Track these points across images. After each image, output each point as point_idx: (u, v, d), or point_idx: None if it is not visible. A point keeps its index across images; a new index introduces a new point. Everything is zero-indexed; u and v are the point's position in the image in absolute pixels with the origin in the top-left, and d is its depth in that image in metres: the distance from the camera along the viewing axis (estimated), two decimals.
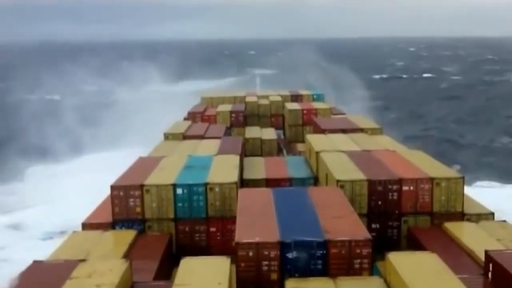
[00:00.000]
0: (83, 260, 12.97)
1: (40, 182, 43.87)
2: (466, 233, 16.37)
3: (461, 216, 17.63)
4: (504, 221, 17.33)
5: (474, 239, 15.57)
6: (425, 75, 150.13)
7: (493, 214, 17.90)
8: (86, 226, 17.72)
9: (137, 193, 17.79)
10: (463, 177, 17.92)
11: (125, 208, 17.75)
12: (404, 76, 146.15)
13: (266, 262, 12.55)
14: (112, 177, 18.56)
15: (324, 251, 12.60)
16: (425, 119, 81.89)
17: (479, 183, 45.03)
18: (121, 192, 17.75)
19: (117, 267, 12.24)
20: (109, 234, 17.11)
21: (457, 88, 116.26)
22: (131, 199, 17.77)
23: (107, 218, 17.81)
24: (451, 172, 18.73)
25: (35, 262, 13.03)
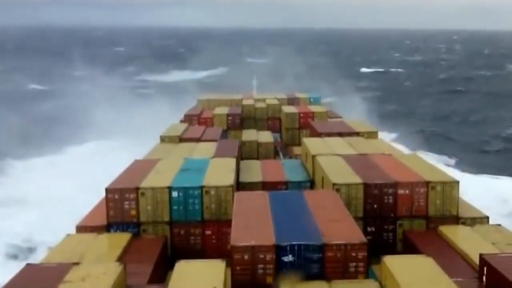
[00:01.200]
0: (76, 263, 12.87)
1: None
2: (461, 236, 16.42)
3: (456, 219, 17.68)
4: (499, 225, 17.41)
5: (469, 242, 15.61)
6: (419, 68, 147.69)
7: (487, 218, 17.96)
8: (80, 228, 17.59)
9: (132, 196, 17.70)
10: (458, 182, 17.98)
11: (120, 211, 17.65)
12: (400, 69, 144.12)
13: (261, 266, 12.51)
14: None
15: (320, 255, 12.58)
16: (421, 113, 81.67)
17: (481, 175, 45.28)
18: (116, 195, 17.66)
19: (111, 271, 12.14)
20: (104, 237, 16.99)
21: (453, 81, 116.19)
22: (126, 202, 17.67)
23: (102, 221, 17.70)
24: (446, 176, 18.79)
25: (28, 265, 12.91)
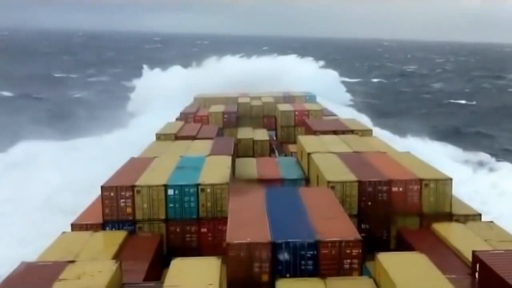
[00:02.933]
0: (72, 261, 12.86)
1: None
2: (454, 233, 16.60)
3: (449, 217, 17.87)
4: (491, 221, 17.61)
5: (462, 239, 15.80)
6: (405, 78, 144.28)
7: (480, 215, 18.18)
8: (75, 226, 17.58)
9: (128, 193, 17.70)
10: (451, 179, 18.17)
11: (116, 208, 17.65)
12: (393, 79, 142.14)
13: (257, 264, 12.58)
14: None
15: (315, 252, 12.68)
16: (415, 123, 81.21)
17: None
18: (111, 193, 17.65)
19: (106, 268, 12.17)
20: (99, 235, 17.00)
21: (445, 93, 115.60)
22: (122, 200, 17.68)
23: (97, 218, 17.70)
24: (439, 173, 18.97)
25: (23, 263, 12.89)
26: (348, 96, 79.27)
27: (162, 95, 59.88)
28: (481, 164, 48.60)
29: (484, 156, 51.81)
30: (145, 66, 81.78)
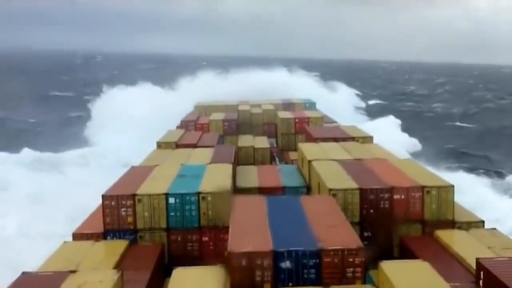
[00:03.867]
0: (73, 271, 12.79)
1: None
2: (457, 241, 16.51)
3: (452, 224, 17.79)
4: (494, 228, 17.53)
5: (465, 247, 15.70)
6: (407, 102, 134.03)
7: (483, 222, 18.09)
8: (76, 236, 17.50)
9: (129, 202, 17.65)
10: (453, 186, 18.12)
11: (117, 218, 17.58)
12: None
13: (259, 272, 12.50)
14: None
15: (317, 260, 12.60)
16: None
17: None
18: (112, 202, 17.60)
19: (108, 278, 12.09)
20: (100, 245, 16.91)
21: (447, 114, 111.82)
22: (123, 209, 17.62)
23: (98, 228, 17.62)
24: (441, 180, 18.92)
25: (23, 273, 12.80)
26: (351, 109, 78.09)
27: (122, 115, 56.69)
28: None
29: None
30: (104, 85, 76.17)
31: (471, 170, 53.25)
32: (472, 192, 36.71)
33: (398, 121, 70.85)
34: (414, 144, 61.40)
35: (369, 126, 41.81)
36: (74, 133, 61.68)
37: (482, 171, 54.09)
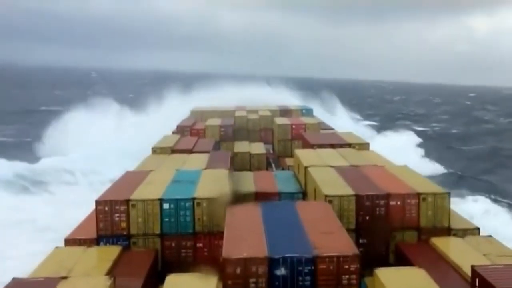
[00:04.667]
0: (65, 278, 12.60)
1: None
2: (452, 248, 16.44)
3: (448, 231, 17.74)
4: (490, 236, 17.49)
5: (461, 254, 15.63)
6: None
7: (478, 229, 18.06)
8: (69, 241, 17.27)
9: (122, 208, 17.46)
10: (449, 193, 18.10)
11: (110, 223, 17.38)
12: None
13: (254, 279, 12.36)
14: None
15: (312, 267, 12.49)
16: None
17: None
18: (106, 207, 17.40)
19: (100, 285, 11.91)
20: (93, 250, 16.69)
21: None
22: (116, 214, 17.43)
23: (91, 233, 17.41)
24: (437, 187, 18.91)
25: (14, 279, 12.59)
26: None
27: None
28: None
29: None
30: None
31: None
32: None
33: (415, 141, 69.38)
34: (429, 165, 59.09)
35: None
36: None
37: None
